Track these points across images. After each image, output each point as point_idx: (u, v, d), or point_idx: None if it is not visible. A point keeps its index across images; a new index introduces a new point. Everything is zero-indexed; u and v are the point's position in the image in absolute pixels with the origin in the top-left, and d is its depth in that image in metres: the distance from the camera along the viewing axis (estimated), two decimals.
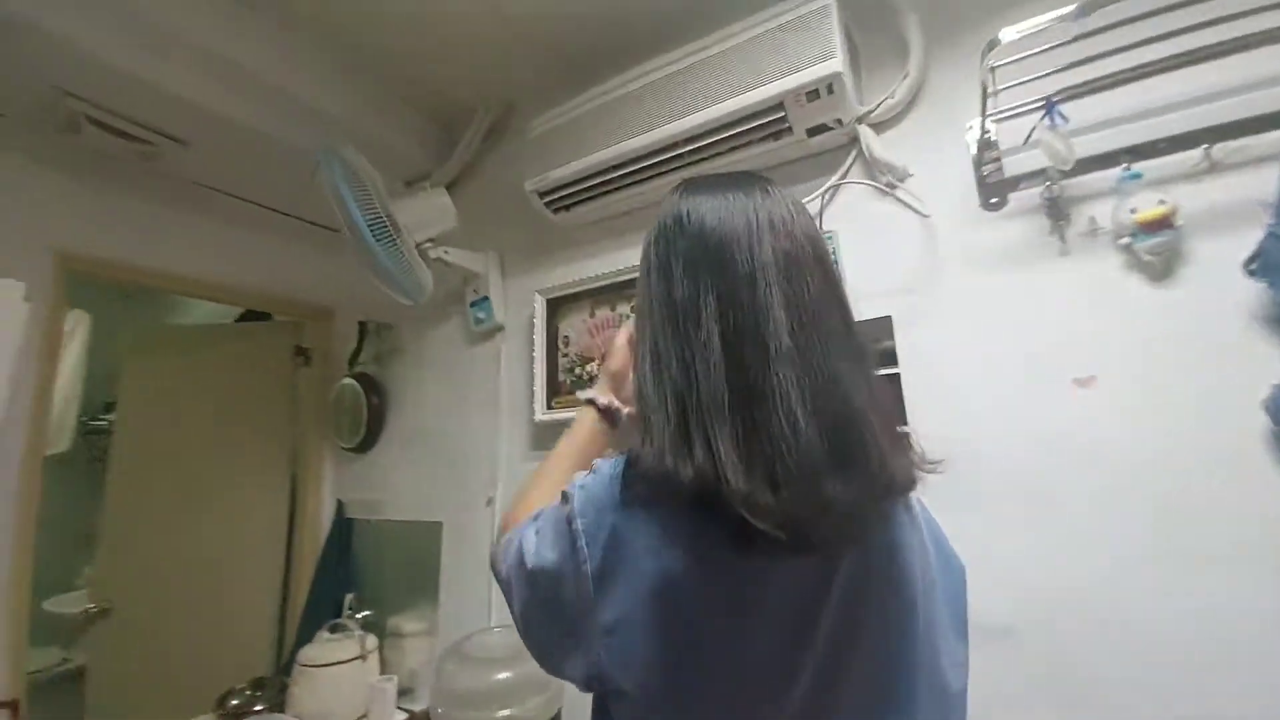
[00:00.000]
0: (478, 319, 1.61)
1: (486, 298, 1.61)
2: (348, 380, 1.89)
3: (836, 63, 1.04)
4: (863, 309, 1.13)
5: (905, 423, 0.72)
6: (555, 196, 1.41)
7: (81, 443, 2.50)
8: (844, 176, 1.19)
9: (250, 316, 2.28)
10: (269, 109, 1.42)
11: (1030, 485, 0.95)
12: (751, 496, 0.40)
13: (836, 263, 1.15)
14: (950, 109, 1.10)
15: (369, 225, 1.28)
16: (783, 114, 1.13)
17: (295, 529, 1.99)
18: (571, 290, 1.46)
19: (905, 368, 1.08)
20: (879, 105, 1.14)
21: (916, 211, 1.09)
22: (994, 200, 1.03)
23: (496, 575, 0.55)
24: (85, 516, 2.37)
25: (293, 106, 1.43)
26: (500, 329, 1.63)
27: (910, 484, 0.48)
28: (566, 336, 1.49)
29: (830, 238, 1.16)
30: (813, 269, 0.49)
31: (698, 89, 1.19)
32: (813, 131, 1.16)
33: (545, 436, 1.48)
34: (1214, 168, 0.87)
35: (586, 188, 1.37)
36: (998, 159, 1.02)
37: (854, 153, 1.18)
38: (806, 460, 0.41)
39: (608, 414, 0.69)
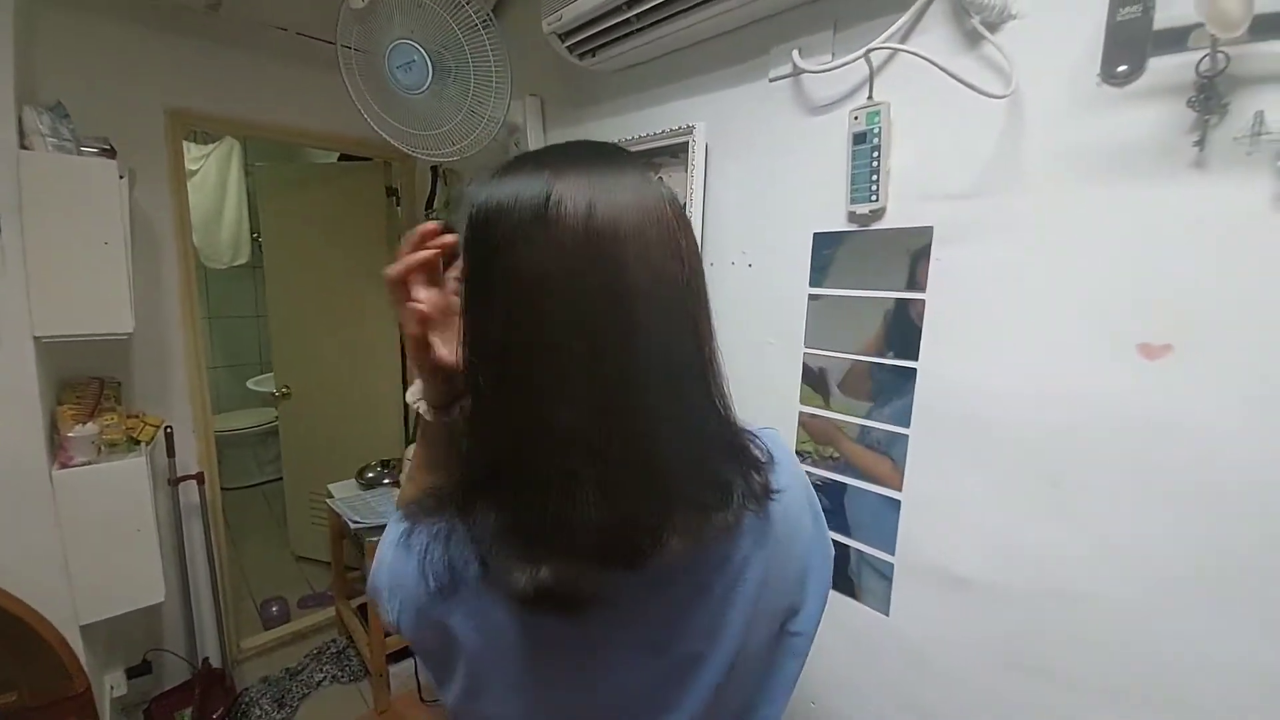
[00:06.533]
0: None
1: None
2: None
3: None
4: (903, 214, 0.91)
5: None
6: (578, 39, 1.21)
7: (259, 254, 3.05)
8: (916, 15, 0.86)
9: (347, 158, 2.42)
10: None
11: (1054, 467, 0.79)
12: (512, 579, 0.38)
13: (869, 155, 0.90)
14: None
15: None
16: None
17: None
18: None
19: (933, 292, 0.89)
20: None
21: (1002, 75, 0.78)
22: (1122, 68, 0.69)
23: None
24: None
25: None
26: None
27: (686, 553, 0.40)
28: None
29: (877, 112, 0.89)
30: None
31: None
32: None
33: None
34: None
35: (606, 28, 1.15)
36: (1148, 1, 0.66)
37: None
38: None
39: None
